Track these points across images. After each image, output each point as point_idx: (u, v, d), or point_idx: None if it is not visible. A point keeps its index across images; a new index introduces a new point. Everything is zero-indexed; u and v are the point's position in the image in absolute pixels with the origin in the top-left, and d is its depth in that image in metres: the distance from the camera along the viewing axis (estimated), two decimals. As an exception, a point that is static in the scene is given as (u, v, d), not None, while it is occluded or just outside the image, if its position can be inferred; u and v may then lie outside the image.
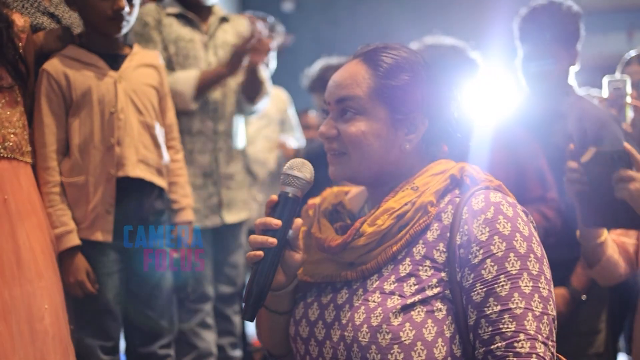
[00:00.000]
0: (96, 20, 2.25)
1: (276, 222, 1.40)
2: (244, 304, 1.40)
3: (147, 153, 2.36)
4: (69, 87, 2.25)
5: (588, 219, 1.92)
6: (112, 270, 2.33)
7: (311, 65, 3.81)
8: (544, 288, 1.30)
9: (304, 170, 1.44)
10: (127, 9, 2.23)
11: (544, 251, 1.36)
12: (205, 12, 2.87)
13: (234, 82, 2.88)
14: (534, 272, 1.30)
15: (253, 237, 1.41)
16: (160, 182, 2.40)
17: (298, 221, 1.43)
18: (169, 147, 2.47)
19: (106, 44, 2.33)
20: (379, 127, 1.43)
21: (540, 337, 1.27)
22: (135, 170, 2.31)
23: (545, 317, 1.29)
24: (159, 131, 2.41)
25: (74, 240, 2.21)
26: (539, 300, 1.29)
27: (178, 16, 2.80)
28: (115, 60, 2.33)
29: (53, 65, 2.25)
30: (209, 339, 2.84)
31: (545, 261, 1.34)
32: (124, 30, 2.31)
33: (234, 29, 2.93)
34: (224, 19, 2.92)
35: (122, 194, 2.31)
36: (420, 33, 2.65)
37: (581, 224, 1.95)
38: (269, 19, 3.59)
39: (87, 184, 2.26)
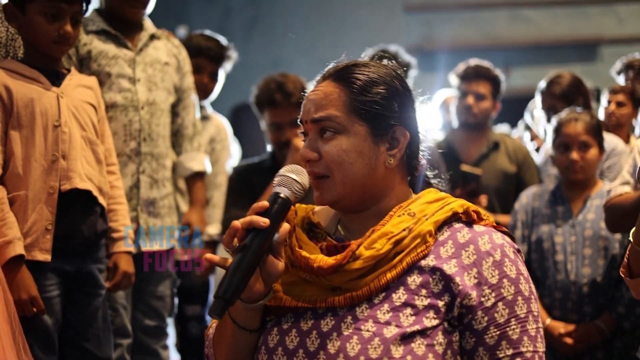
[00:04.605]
0: (40, 41, 2.20)
1: (264, 220, 1.30)
2: (214, 298, 1.28)
3: (90, 170, 2.27)
4: (10, 98, 2.14)
5: None
6: (51, 294, 2.19)
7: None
8: (541, 327, 1.38)
9: (303, 176, 1.38)
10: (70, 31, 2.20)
11: None
12: (134, 28, 2.75)
13: (164, 102, 2.77)
14: (535, 313, 1.36)
15: (241, 220, 1.31)
16: (103, 201, 2.30)
17: (286, 226, 1.35)
18: (108, 172, 2.39)
19: (47, 61, 2.26)
20: (360, 144, 1.39)
21: None
22: (83, 183, 2.21)
23: (544, 355, 1.37)
24: (100, 149, 2.33)
25: (15, 249, 2.05)
26: (540, 340, 1.35)
27: (100, 32, 2.69)
28: (56, 77, 2.26)
29: None
30: None
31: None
32: (66, 52, 2.32)
33: (166, 47, 2.83)
34: (154, 36, 2.80)
35: (64, 211, 2.19)
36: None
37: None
38: (223, 41, 3.44)
39: (26, 199, 2.13)
